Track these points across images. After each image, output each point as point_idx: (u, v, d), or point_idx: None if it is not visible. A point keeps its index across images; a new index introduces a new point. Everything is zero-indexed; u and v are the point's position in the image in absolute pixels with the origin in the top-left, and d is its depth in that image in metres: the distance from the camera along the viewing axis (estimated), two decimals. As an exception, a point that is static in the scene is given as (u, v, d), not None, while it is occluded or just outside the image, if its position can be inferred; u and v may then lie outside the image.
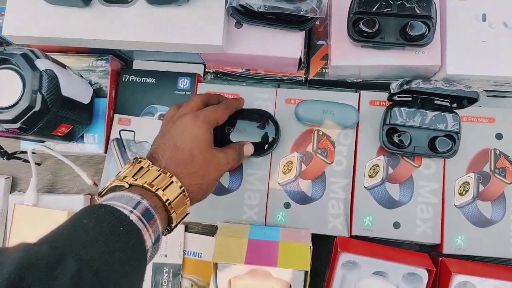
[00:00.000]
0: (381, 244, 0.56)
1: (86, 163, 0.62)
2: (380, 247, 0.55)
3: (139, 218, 0.35)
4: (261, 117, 0.54)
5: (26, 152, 0.58)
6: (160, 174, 0.40)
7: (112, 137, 0.58)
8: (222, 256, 0.50)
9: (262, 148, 0.54)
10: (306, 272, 0.49)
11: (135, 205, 0.36)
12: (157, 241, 0.38)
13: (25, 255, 0.27)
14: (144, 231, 0.35)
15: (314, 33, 0.57)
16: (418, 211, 0.54)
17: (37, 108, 0.45)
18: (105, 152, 0.58)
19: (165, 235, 0.41)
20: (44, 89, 0.46)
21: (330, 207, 0.55)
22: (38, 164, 0.63)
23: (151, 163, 0.41)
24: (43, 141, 0.57)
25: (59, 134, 0.52)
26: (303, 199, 0.55)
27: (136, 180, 0.39)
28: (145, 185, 0.38)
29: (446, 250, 0.53)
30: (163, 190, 0.39)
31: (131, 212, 0.35)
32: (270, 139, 0.53)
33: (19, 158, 0.61)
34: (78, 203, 0.59)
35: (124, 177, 0.39)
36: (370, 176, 0.55)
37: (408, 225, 0.54)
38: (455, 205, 0.54)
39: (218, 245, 0.51)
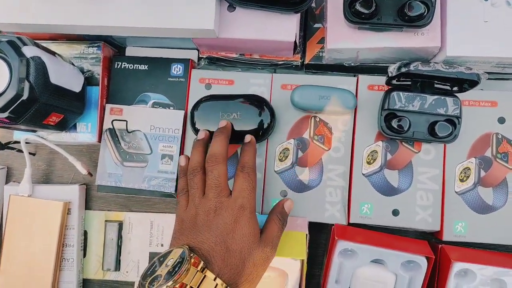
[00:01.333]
0: (380, 231, 0.55)
1: (81, 152, 0.61)
2: (378, 235, 0.54)
3: None
4: (257, 103, 0.53)
5: (19, 142, 0.58)
6: (216, 285, 0.39)
7: (105, 127, 0.57)
8: (217, 245, 0.49)
9: (257, 134, 0.52)
10: (302, 261, 0.49)
11: None
12: None
13: None
14: None
15: (310, 15, 0.56)
16: (418, 198, 0.53)
17: (25, 96, 0.44)
18: (99, 141, 0.57)
19: None
20: (32, 77, 0.44)
21: (328, 194, 0.54)
22: (32, 154, 0.62)
23: (205, 266, 0.40)
24: (35, 131, 0.56)
25: (51, 123, 0.51)
26: (300, 187, 0.54)
27: None
28: None
29: (446, 237, 0.52)
30: None
31: None
32: (265, 125, 0.52)
33: (13, 148, 0.60)
34: (73, 193, 0.59)
35: (178, 281, 0.37)
36: (368, 163, 0.54)
37: (407, 212, 0.53)
38: (455, 192, 0.53)
39: (213, 234, 0.51)
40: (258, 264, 0.43)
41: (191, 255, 0.39)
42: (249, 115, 0.52)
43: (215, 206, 0.44)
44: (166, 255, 0.41)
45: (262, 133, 0.52)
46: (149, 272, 0.40)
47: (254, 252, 0.42)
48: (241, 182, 0.45)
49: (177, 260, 0.39)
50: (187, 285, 0.38)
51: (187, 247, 0.40)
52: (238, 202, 0.44)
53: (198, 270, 0.38)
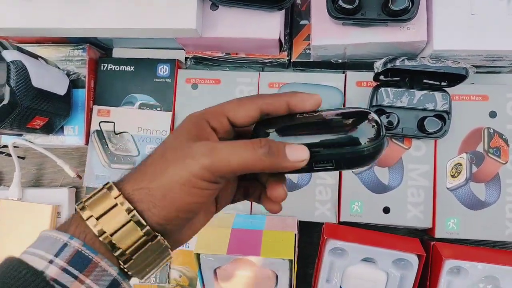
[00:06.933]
0: (372, 230, 0.54)
1: (70, 155, 0.61)
2: (369, 233, 0.53)
3: (65, 270, 0.24)
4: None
5: (7, 146, 0.57)
6: (101, 189, 0.26)
7: (92, 129, 0.56)
8: (204, 247, 0.48)
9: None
10: (291, 261, 0.48)
11: (59, 249, 0.24)
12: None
13: None
14: (75, 285, 0.24)
15: (296, 12, 0.55)
16: (409, 195, 0.52)
17: (6, 101, 0.44)
18: (86, 143, 0.56)
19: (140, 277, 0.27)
20: (13, 81, 0.44)
21: (318, 193, 0.53)
22: (22, 158, 0.62)
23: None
24: (21, 134, 0.56)
25: (36, 126, 0.51)
26: (290, 186, 0.54)
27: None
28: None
29: (438, 234, 0.51)
30: (98, 217, 0.25)
31: (51, 262, 0.24)
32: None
33: (1, 153, 0.60)
34: (62, 196, 0.59)
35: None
36: (358, 160, 0.53)
37: (399, 210, 0.52)
38: (447, 188, 0.52)
39: (200, 236, 0.50)
40: (174, 158, 0.26)
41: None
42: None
43: None
44: None
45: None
46: None
47: (178, 147, 0.27)
48: None
49: None
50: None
51: None
52: None
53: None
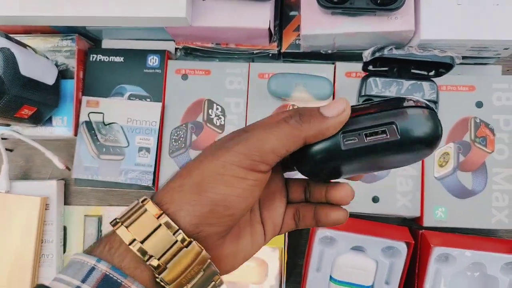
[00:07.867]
0: (362, 219, 0.54)
1: (58, 147, 0.60)
2: (358, 222, 0.53)
3: None
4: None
5: (-5, 138, 0.57)
6: (136, 204, 0.25)
7: (81, 120, 0.56)
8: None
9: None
10: (281, 249, 0.48)
11: (86, 274, 0.23)
12: None
13: None
14: None
15: (286, 3, 0.55)
16: (397, 185, 0.52)
17: (-7, 88, 0.43)
18: (75, 135, 0.56)
19: None
20: (0, 68, 0.44)
21: (307, 183, 0.53)
22: (10, 150, 0.61)
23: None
24: (8, 125, 0.55)
25: (24, 116, 0.50)
26: (279, 176, 0.54)
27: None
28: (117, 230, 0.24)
29: (426, 222, 0.52)
30: (127, 225, 0.24)
31: None
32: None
33: (-11, 145, 0.60)
34: (51, 188, 0.58)
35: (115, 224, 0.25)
36: (347, 150, 0.53)
37: (387, 199, 0.52)
38: (435, 177, 0.52)
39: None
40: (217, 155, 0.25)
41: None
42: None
43: None
44: None
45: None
46: None
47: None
48: None
49: None
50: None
51: None
52: None
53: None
